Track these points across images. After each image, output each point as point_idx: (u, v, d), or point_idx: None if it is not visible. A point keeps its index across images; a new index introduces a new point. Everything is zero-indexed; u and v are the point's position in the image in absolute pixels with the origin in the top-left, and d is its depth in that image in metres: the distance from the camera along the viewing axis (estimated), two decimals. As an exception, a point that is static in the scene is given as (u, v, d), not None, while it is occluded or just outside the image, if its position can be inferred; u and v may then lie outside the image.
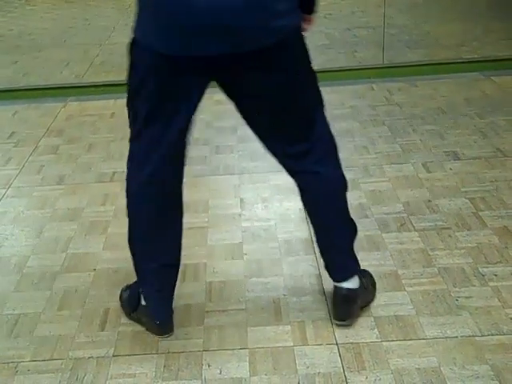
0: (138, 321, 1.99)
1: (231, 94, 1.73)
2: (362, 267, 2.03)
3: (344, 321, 1.94)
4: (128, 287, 2.05)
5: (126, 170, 1.80)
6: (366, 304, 2.01)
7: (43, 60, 4.58)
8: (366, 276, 2.04)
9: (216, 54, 1.53)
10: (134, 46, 1.62)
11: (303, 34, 1.70)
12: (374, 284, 2.07)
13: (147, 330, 1.96)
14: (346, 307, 1.95)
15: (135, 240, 1.86)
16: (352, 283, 1.92)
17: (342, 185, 1.89)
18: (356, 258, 1.97)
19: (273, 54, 1.59)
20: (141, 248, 1.87)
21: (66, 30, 5.15)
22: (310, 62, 1.72)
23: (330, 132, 1.84)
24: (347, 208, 1.92)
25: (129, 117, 1.73)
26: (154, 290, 1.91)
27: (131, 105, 1.71)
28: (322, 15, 4.99)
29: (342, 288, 1.93)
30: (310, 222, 1.95)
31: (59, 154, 3.17)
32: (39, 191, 2.83)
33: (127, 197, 1.82)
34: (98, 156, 3.12)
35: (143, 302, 1.93)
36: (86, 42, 4.81)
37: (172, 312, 1.95)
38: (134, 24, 1.60)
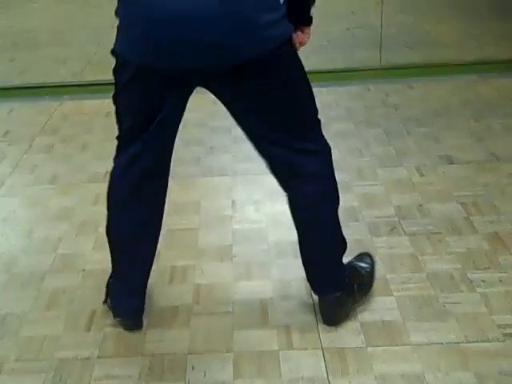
0: (112, 310, 2.00)
1: (220, 99, 1.70)
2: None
3: (332, 325, 1.94)
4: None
5: (110, 171, 1.81)
6: (363, 296, 2.01)
7: (41, 58, 4.57)
8: (362, 264, 2.04)
9: (187, 68, 1.50)
10: (115, 57, 1.61)
11: (295, 48, 1.62)
12: (371, 273, 2.05)
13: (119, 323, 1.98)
14: (334, 314, 1.95)
15: (111, 238, 1.91)
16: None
17: (333, 201, 1.83)
18: (344, 271, 1.94)
19: (255, 68, 1.52)
20: (115, 246, 1.90)
21: (65, 28, 5.14)
22: (302, 80, 1.65)
23: (325, 148, 1.78)
24: (337, 225, 1.87)
25: (116, 120, 1.74)
26: (120, 282, 1.93)
27: (115, 110, 1.71)
28: (322, 15, 4.94)
29: (328, 296, 1.93)
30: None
31: (53, 153, 3.17)
32: (32, 191, 2.83)
33: (108, 194, 1.85)
34: (91, 156, 3.12)
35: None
36: (84, 40, 4.80)
37: (138, 308, 1.96)
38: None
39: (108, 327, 1.99)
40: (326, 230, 1.86)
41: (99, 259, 2.31)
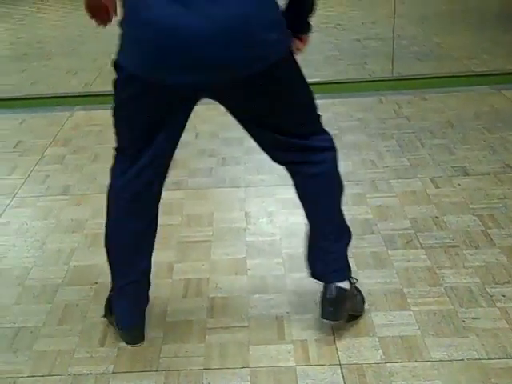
0: (112, 324, 1.98)
1: (227, 109, 1.75)
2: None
3: (332, 321, 1.90)
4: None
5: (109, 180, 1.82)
6: (354, 313, 1.97)
7: (52, 68, 4.58)
8: (356, 288, 2.01)
9: (196, 83, 1.54)
10: (118, 69, 1.62)
11: (295, 54, 1.69)
12: (362, 298, 2.03)
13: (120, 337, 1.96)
14: (335, 307, 1.89)
15: (110, 249, 1.90)
16: (343, 284, 1.89)
17: (337, 189, 1.87)
18: (348, 264, 1.93)
19: (260, 81, 1.58)
20: (114, 258, 1.90)
21: (76, 39, 5.16)
22: (303, 87, 1.71)
23: (331, 142, 1.83)
24: (341, 212, 1.90)
25: (114, 131, 1.76)
26: (122, 295, 1.91)
27: (115, 123, 1.73)
28: (331, 26, 4.99)
29: (332, 287, 1.88)
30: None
31: (65, 164, 3.16)
32: (43, 201, 2.82)
33: (107, 206, 1.84)
34: (103, 166, 3.10)
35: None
36: (95, 50, 4.80)
37: (140, 321, 1.95)
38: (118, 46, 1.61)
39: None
40: (332, 214, 1.88)
41: (112, 272, 2.28)
